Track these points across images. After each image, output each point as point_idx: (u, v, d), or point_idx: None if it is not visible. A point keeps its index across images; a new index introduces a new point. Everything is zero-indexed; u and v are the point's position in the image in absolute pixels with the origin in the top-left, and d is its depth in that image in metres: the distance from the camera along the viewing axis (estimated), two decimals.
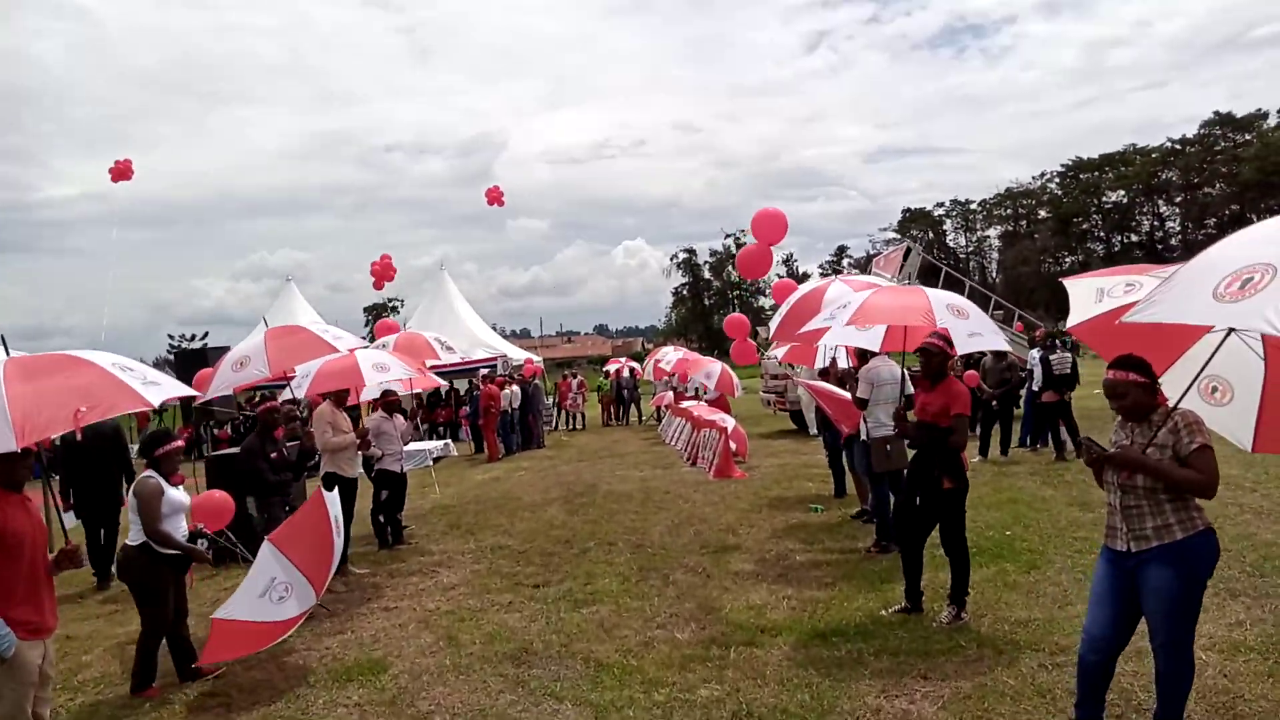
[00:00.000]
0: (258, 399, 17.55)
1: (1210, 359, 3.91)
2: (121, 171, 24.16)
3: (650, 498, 11.87)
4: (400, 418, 10.11)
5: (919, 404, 6.08)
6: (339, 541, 6.44)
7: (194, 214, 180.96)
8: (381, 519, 9.89)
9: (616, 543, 9.19)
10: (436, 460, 19.73)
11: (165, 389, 4.66)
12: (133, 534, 5.81)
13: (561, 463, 17.65)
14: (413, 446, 20.66)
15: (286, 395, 8.80)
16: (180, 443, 6.13)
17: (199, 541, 6.20)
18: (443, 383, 13.06)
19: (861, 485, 9.54)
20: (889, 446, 7.85)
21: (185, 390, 5.19)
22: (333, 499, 6.49)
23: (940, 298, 6.45)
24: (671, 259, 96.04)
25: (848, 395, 8.46)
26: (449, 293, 27.96)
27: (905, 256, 20.43)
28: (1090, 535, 7.96)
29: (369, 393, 9.66)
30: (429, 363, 10.50)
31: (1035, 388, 13.15)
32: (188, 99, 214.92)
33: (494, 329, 33.21)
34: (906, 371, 8.21)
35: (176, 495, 5.95)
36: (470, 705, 5.15)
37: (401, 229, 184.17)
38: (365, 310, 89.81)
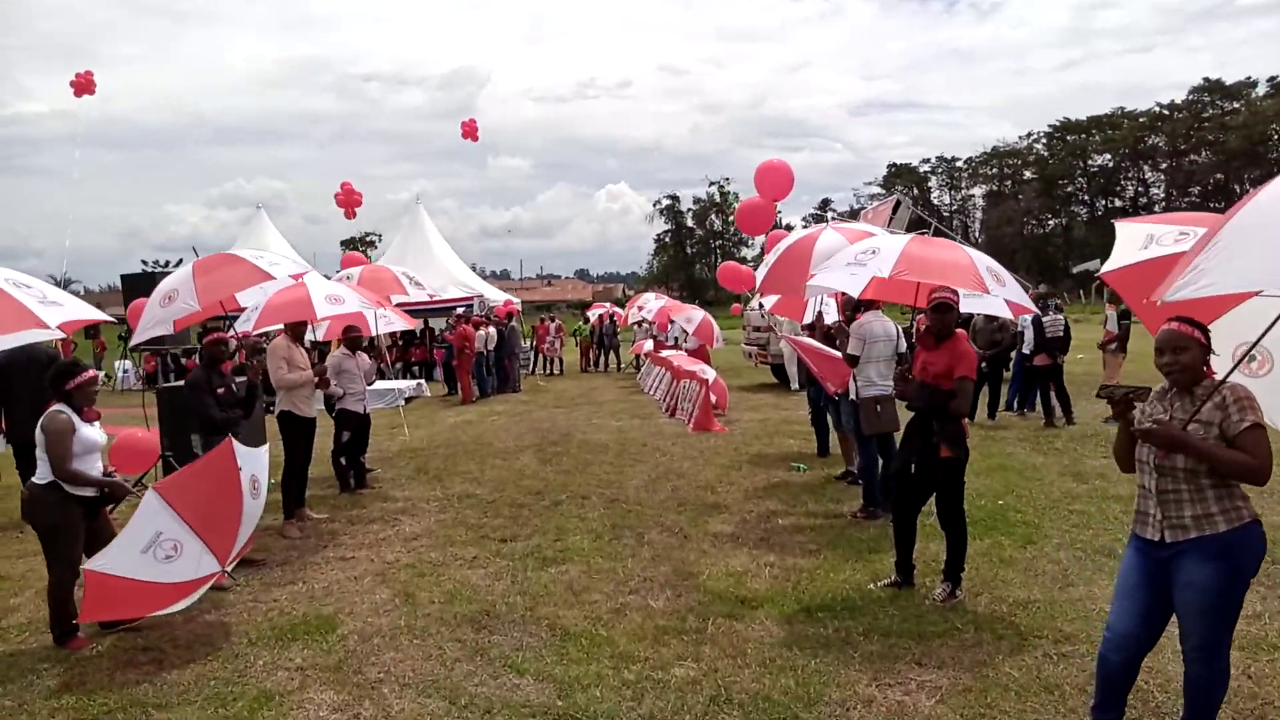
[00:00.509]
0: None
1: (1270, 328, 3.44)
2: (83, 85, 23.18)
3: (626, 449, 11.43)
4: (364, 355, 9.57)
5: (920, 363, 5.61)
6: (253, 505, 5.75)
7: (164, 137, 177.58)
8: (343, 461, 9.39)
9: (590, 496, 8.76)
10: (409, 400, 19.22)
11: (67, 310, 4.13)
12: (40, 472, 5.29)
13: (537, 408, 17.18)
14: (385, 385, 20.15)
15: (241, 328, 8.24)
16: (93, 373, 5.55)
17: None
18: (409, 323, 12.31)
19: (847, 445, 9.13)
20: (879, 407, 7.44)
21: (90, 314, 4.69)
22: (251, 454, 5.85)
23: (979, 259, 5.95)
24: (655, 205, 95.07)
25: (835, 352, 8.00)
26: (424, 227, 27.20)
27: (894, 210, 19.88)
28: (1086, 509, 7.61)
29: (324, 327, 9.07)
30: (396, 298, 9.93)
31: (1026, 350, 12.76)
32: (158, 17, 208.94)
33: (473, 269, 32.54)
34: (901, 328, 7.77)
35: (90, 433, 5.42)
36: (423, 675, 4.70)
37: (379, 161, 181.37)
38: (341, 243, 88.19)
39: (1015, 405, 13.36)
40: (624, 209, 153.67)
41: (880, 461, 7.63)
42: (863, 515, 7.51)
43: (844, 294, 7.63)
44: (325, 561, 6.94)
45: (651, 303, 25.05)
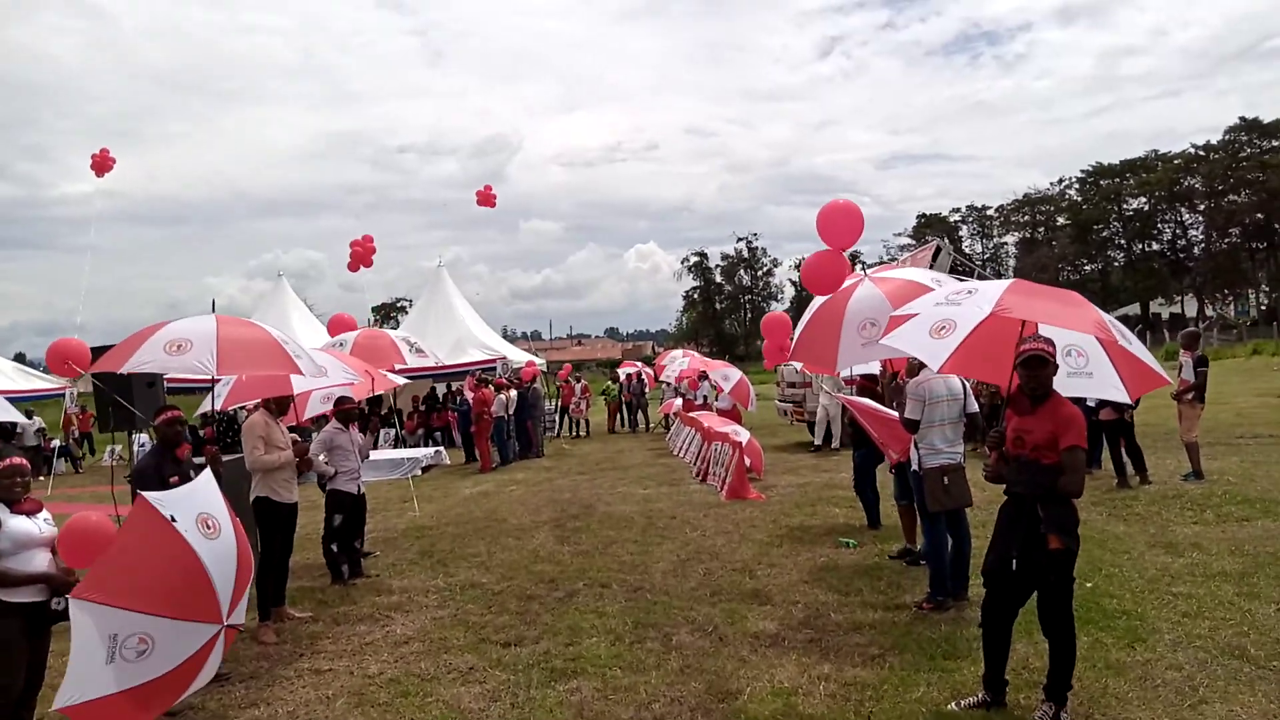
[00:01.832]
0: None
1: None
2: (100, 163, 22.92)
3: (653, 523, 10.34)
4: (357, 429, 8.63)
5: (1013, 431, 4.53)
6: (217, 546, 4.81)
7: (207, 213, 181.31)
8: (334, 548, 8.39)
9: (610, 584, 7.66)
10: (426, 469, 18.29)
11: None
12: None
13: (559, 475, 16.14)
14: (401, 454, 19.25)
15: (205, 407, 7.32)
16: (18, 460, 4.66)
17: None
18: (396, 386, 11.45)
19: (907, 520, 8.00)
20: (946, 479, 6.35)
21: None
22: (178, 495, 4.99)
23: (1102, 313, 4.82)
24: (683, 262, 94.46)
25: (895, 414, 6.93)
26: (447, 291, 26.51)
27: (935, 256, 18.80)
28: (1193, 592, 6.42)
29: (314, 403, 8.15)
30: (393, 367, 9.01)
31: (1090, 404, 11.56)
32: (202, 98, 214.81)
33: (504, 331, 31.86)
34: (968, 384, 6.69)
35: (21, 526, 4.58)
36: None
37: (414, 229, 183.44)
38: (374, 310, 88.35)
39: None
40: (653, 268, 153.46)
41: (950, 541, 6.50)
42: (929, 606, 6.36)
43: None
44: (297, 675, 5.90)
45: (678, 361, 24.04)
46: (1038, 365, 4.37)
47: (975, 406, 6.58)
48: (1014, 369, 4.49)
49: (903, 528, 8.16)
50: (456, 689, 5.42)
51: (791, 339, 10.05)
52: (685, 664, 5.59)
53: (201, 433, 22.84)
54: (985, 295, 4.82)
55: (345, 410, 8.52)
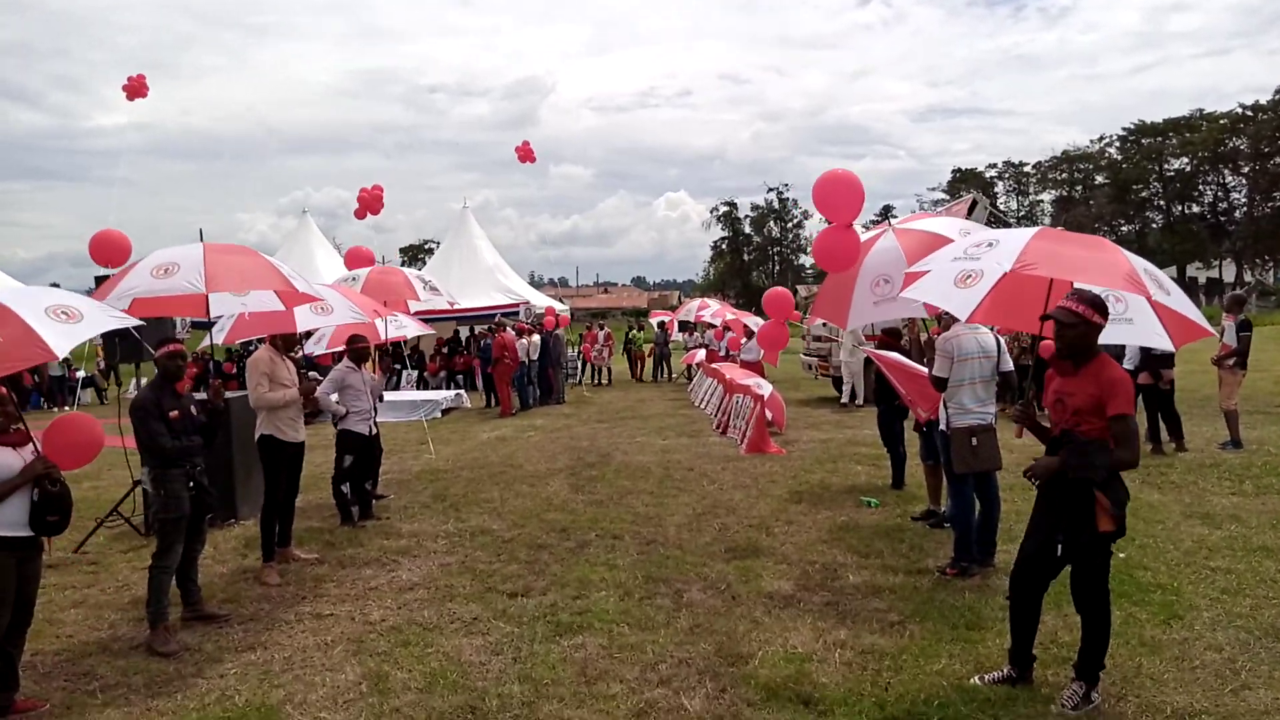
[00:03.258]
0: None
1: None
2: (134, 89, 22.60)
3: (670, 475, 10.12)
4: (369, 369, 8.43)
5: (1054, 394, 4.20)
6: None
7: (238, 148, 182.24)
8: (345, 489, 8.23)
9: (622, 536, 7.46)
10: (446, 412, 18.21)
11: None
12: None
13: (578, 423, 15.95)
14: (422, 395, 19.17)
15: (205, 342, 7.13)
16: None
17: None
18: (423, 328, 11.19)
19: (933, 480, 7.72)
20: (974, 440, 6.03)
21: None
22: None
23: (1135, 259, 4.39)
24: (712, 212, 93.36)
25: (924, 370, 6.61)
26: (471, 233, 26.18)
27: (970, 210, 18.25)
28: (1232, 566, 6.11)
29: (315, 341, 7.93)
30: (414, 305, 8.76)
31: (1129, 366, 11.16)
32: (234, 31, 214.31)
33: (531, 276, 31.59)
34: (1003, 340, 6.34)
35: (4, 458, 4.38)
36: None
37: (444, 171, 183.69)
38: (401, 251, 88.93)
39: None
40: (683, 217, 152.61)
41: (977, 505, 6.21)
42: (953, 572, 6.08)
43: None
44: (297, 619, 5.74)
45: (712, 307, 23.71)
46: (1063, 327, 4.03)
47: (1009, 364, 6.24)
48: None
49: (927, 488, 7.87)
50: (458, 640, 5.24)
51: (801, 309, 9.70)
52: (695, 623, 5.37)
53: (225, 367, 22.92)
54: (1007, 248, 4.41)
55: (358, 349, 8.31)
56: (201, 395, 6.17)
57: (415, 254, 79.75)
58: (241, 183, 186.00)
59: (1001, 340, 6.25)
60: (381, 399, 8.76)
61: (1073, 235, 4.62)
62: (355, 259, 11.26)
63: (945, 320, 6.55)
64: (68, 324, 4.54)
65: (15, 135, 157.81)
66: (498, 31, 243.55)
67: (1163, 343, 4.50)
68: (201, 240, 6.10)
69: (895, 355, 7.35)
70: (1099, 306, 4.06)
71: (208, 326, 7.37)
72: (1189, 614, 5.27)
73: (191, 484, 5.55)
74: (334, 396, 8.15)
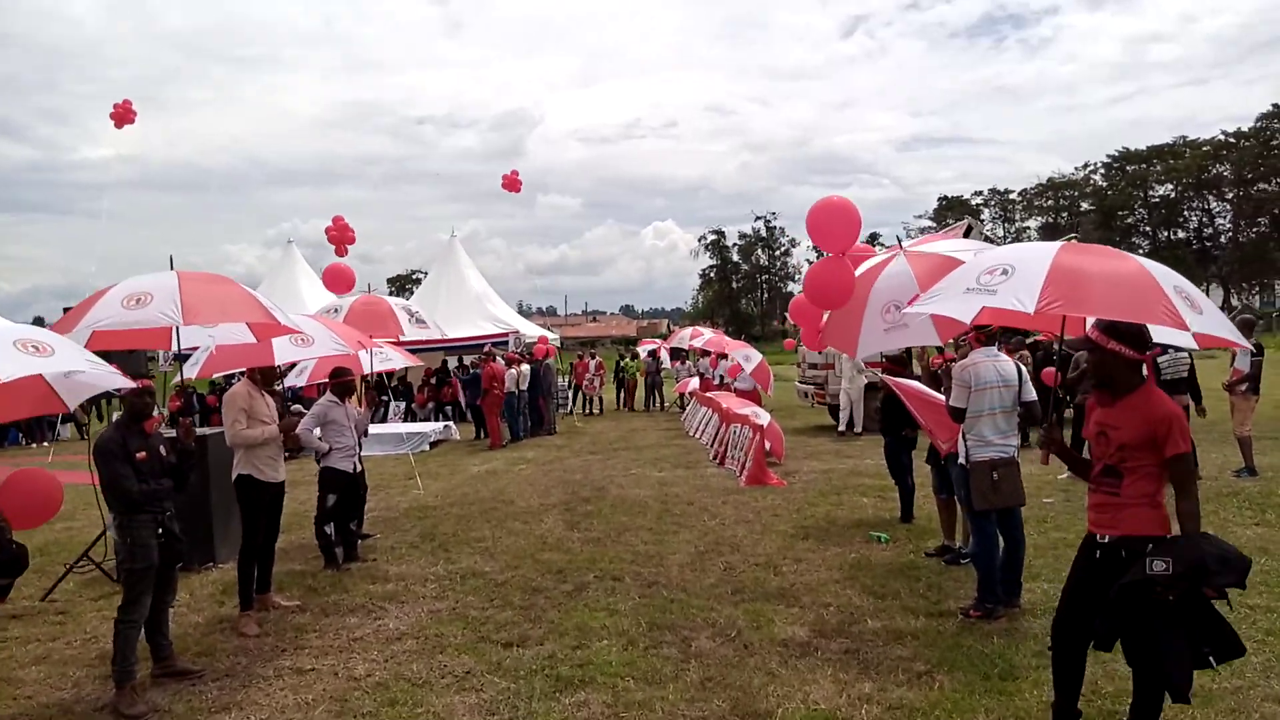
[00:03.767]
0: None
1: None
2: (122, 115, 22.24)
3: (669, 509, 9.73)
4: (354, 403, 8.05)
5: (1095, 426, 3.87)
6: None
7: (225, 180, 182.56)
8: (328, 530, 7.82)
9: (623, 577, 7.06)
10: (434, 444, 17.78)
11: None
12: None
13: (570, 454, 15.55)
14: (410, 428, 18.72)
15: (186, 374, 6.74)
16: None
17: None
18: (409, 360, 10.60)
19: (947, 514, 7.37)
20: (996, 474, 5.69)
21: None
22: None
23: (1163, 274, 4.03)
24: (700, 240, 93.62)
25: (943, 399, 6.28)
26: (459, 262, 25.90)
27: (965, 235, 18.05)
28: (1272, 604, 5.77)
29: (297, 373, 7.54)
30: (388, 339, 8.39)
31: None
32: (222, 64, 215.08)
33: (520, 306, 31.31)
34: (1024, 369, 6.02)
35: None
36: None
37: (432, 202, 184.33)
38: (388, 281, 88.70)
39: None
40: (670, 246, 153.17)
41: (1001, 541, 5.86)
42: (978, 614, 5.71)
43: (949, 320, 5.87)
44: (277, 675, 5.32)
45: (691, 337, 23.42)
46: (1101, 355, 3.71)
47: (1032, 394, 5.90)
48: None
49: (940, 523, 7.52)
50: (450, 698, 4.83)
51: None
52: (706, 675, 4.97)
53: (208, 399, 22.43)
54: (1025, 281, 4.00)
55: (342, 383, 7.94)
56: (171, 433, 5.77)
57: (403, 284, 79.45)
58: (229, 215, 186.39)
59: (1023, 368, 5.93)
60: (366, 434, 8.38)
61: (1097, 252, 4.24)
62: (334, 279, 10.70)
63: (963, 348, 6.24)
64: (39, 358, 4.22)
65: (1, 169, 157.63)
66: (485, 64, 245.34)
67: (1188, 342, 4.14)
68: (172, 268, 5.72)
69: (912, 383, 7.02)
70: (1119, 333, 3.72)
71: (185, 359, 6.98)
72: (1237, 660, 4.90)
73: (161, 531, 5.16)
74: (316, 432, 7.76)
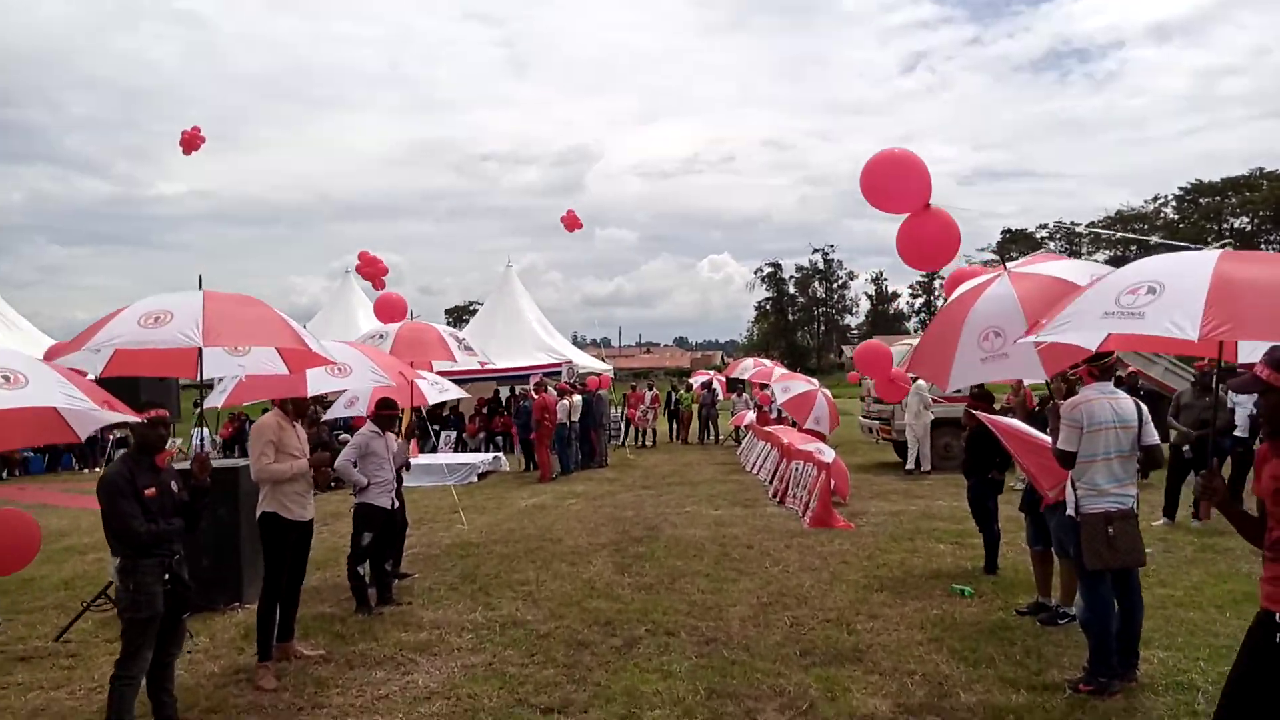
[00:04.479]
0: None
1: None
2: (190, 140, 22.36)
3: (727, 553, 9.03)
4: (393, 436, 7.52)
5: (1270, 480, 3.15)
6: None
7: (294, 215, 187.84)
8: (362, 570, 7.28)
9: (678, 632, 6.38)
10: (483, 476, 17.29)
11: None
12: None
13: (622, 489, 14.91)
14: (459, 459, 18.26)
15: (211, 401, 6.28)
16: None
17: None
18: (459, 391, 10.07)
19: (1042, 569, 6.60)
20: (1111, 529, 4.92)
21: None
22: None
23: None
24: (756, 272, 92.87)
25: (1048, 440, 5.53)
26: (515, 293, 25.51)
27: None
28: None
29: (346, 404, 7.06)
30: (439, 364, 7.88)
31: (1241, 433, 9.93)
32: (292, 104, 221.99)
33: (574, 337, 30.92)
34: (1144, 408, 5.25)
35: None
36: None
37: (494, 235, 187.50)
38: (446, 312, 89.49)
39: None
40: (726, 279, 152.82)
41: (1115, 606, 5.08)
42: (1088, 688, 4.93)
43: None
44: None
45: (749, 368, 22.64)
46: (1267, 393, 3.01)
47: (1154, 436, 5.12)
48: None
49: (1035, 577, 6.72)
50: None
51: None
52: None
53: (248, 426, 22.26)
54: (1179, 301, 3.28)
55: (384, 415, 7.42)
56: (187, 464, 5.26)
57: (460, 315, 79.91)
58: (296, 248, 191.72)
59: (1143, 407, 5.16)
60: (408, 468, 7.85)
61: (1264, 261, 3.51)
62: (386, 308, 10.34)
63: (1061, 385, 5.51)
64: (4, 390, 3.75)
65: (82, 204, 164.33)
66: (549, 103, 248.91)
67: None
68: (201, 288, 5.24)
69: (1013, 421, 6.24)
70: None
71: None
72: None
73: (168, 576, 4.64)
74: (354, 462, 7.25)
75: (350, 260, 19.31)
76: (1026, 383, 7.09)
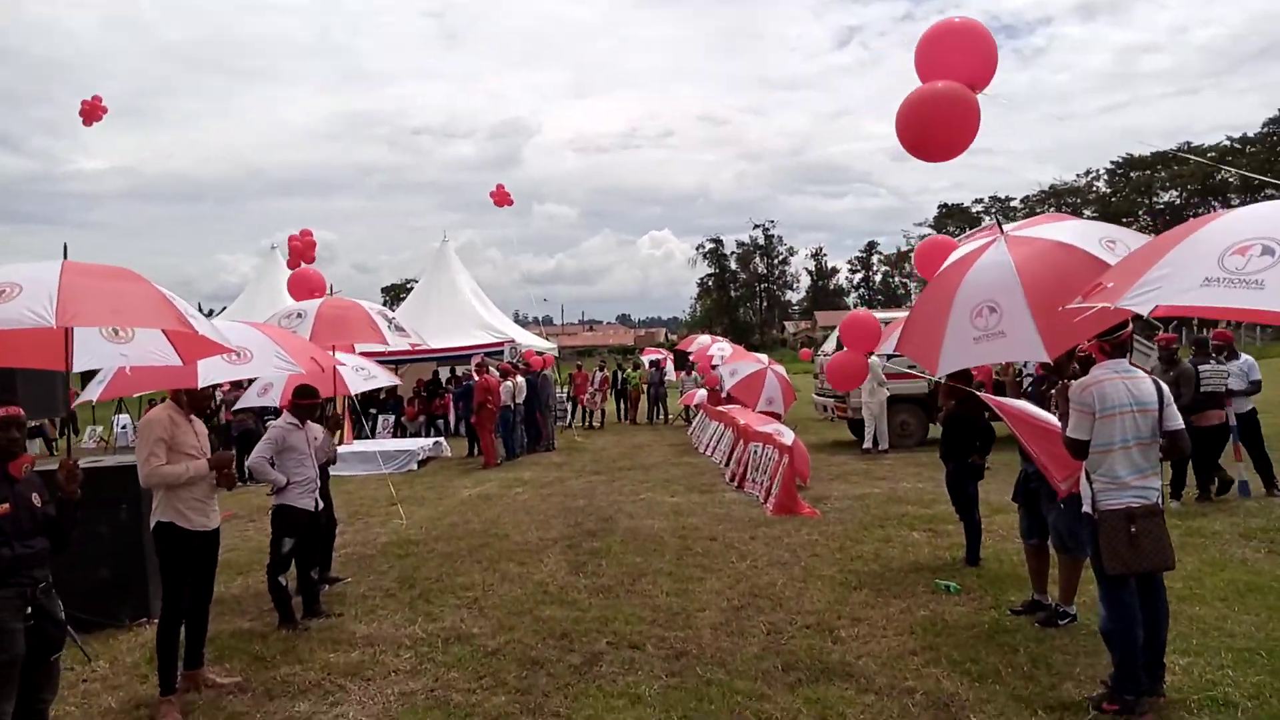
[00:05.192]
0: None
1: None
2: (90, 110, 20.99)
3: (689, 546, 8.38)
4: (316, 426, 6.70)
5: None
6: None
7: (221, 191, 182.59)
8: (284, 580, 6.46)
9: (644, 644, 5.70)
10: (423, 463, 16.44)
11: None
12: None
13: (571, 474, 14.20)
14: (397, 445, 17.36)
15: (86, 396, 5.40)
16: None
17: None
18: (391, 377, 9.04)
19: (1035, 562, 6.05)
20: (1134, 527, 4.33)
21: None
22: None
23: None
24: (697, 249, 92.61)
25: (1058, 424, 4.93)
26: (451, 267, 24.50)
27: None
28: None
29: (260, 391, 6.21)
30: (363, 347, 7.05)
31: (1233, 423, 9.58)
32: (218, 76, 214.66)
33: (515, 315, 30.03)
34: (1163, 384, 4.66)
35: None
36: None
37: (427, 211, 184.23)
38: (383, 290, 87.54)
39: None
40: (666, 255, 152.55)
41: (1140, 616, 4.51)
42: (1113, 707, 4.36)
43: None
44: None
45: (704, 344, 21.97)
46: None
47: (1177, 421, 4.53)
48: None
49: (1030, 573, 6.17)
50: None
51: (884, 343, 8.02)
52: None
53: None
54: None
55: (303, 404, 6.59)
56: (53, 466, 4.37)
57: (398, 293, 78.09)
58: (224, 225, 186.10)
59: (1164, 388, 4.57)
60: (334, 462, 7.05)
61: None
62: (299, 285, 9.21)
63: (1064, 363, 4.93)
64: None
65: None
66: (481, 75, 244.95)
67: None
68: (65, 257, 4.33)
69: (1021, 404, 5.62)
70: None
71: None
72: None
73: (30, 611, 3.81)
74: (270, 458, 6.40)
75: (284, 239, 18.07)
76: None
